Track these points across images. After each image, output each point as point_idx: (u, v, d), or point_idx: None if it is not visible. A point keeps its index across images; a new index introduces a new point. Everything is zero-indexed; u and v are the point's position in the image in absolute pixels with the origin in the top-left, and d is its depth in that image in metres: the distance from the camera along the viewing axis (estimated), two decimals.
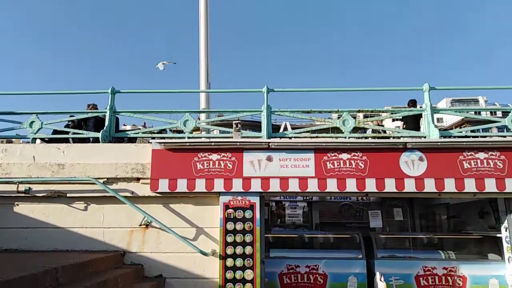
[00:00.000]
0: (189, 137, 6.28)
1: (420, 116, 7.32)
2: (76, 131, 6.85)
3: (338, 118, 6.51)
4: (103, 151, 6.17)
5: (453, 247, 7.47)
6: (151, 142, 6.06)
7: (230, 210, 5.82)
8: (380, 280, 5.28)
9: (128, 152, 6.14)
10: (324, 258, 6.83)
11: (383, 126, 9.36)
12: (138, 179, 5.99)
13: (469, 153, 5.77)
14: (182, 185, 5.86)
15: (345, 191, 5.86)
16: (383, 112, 6.79)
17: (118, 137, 6.89)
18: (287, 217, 9.68)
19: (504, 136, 6.31)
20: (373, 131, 7.90)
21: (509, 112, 6.50)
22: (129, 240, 5.85)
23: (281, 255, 7.02)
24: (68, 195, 5.96)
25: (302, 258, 6.86)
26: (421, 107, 6.77)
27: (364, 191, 5.82)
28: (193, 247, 5.66)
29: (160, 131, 7.04)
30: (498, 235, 6.48)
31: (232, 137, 6.21)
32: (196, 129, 7.44)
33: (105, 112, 6.58)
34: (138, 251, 5.81)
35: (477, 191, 5.68)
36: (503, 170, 5.69)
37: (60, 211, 5.98)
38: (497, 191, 5.67)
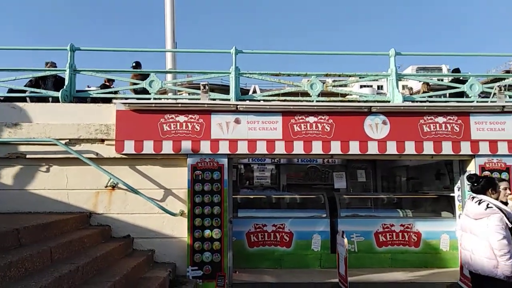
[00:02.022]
0: (155, 98, 6.11)
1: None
2: (34, 89, 6.48)
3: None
4: (64, 111, 5.92)
5: (410, 206, 7.96)
6: (115, 103, 5.87)
7: (198, 172, 5.84)
8: (342, 237, 5.55)
9: (91, 113, 5.93)
10: (290, 217, 7.10)
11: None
12: (102, 141, 5.84)
13: (429, 117, 6.01)
14: (148, 147, 5.78)
15: (311, 153, 5.99)
16: (350, 76, 6.85)
17: (80, 97, 6.60)
18: (256, 179, 9.87)
19: (460, 101, 6.58)
20: (340, 95, 8.02)
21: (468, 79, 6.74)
22: (95, 201, 5.79)
23: (249, 215, 7.23)
24: (28, 156, 5.74)
25: (269, 217, 7.10)
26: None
27: (330, 153, 5.99)
28: (161, 208, 5.69)
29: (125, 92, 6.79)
30: (451, 195, 6.94)
31: (199, 99, 6.11)
32: (163, 92, 7.26)
33: (65, 70, 6.25)
34: (105, 212, 5.78)
35: (435, 153, 5.98)
36: (459, 134, 5.99)
37: (21, 172, 5.78)
38: (453, 153, 5.99)
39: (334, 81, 6.82)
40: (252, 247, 6.88)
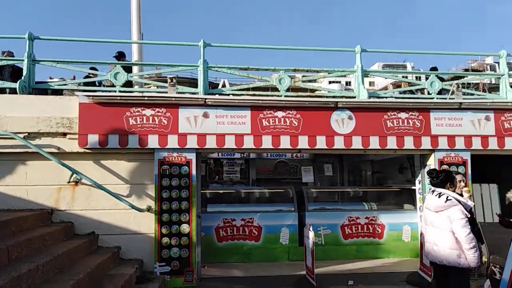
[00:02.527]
0: (120, 91, 5.94)
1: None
2: None
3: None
4: (23, 103, 5.64)
5: (375, 199, 8.24)
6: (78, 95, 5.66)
7: (165, 166, 5.75)
8: (309, 230, 5.66)
9: (51, 105, 5.68)
10: (259, 211, 7.16)
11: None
12: (64, 134, 5.62)
13: (393, 113, 6.22)
14: (113, 141, 5.62)
15: (279, 147, 6.05)
16: (318, 71, 6.95)
17: (41, 89, 6.30)
18: (225, 173, 9.88)
19: (422, 98, 6.85)
20: (310, 90, 8.11)
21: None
22: (57, 197, 5.57)
23: (218, 209, 7.22)
24: None
25: (238, 212, 7.12)
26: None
27: (297, 147, 6.07)
28: (127, 203, 5.56)
29: (89, 84, 6.55)
30: (412, 188, 7.24)
31: (167, 92, 6.00)
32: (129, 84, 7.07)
33: (23, 60, 5.94)
34: (68, 208, 5.58)
35: (398, 148, 6.20)
36: (420, 129, 6.24)
37: None
38: (414, 148, 6.24)
39: (303, 76, 6.88)
40: (221, 242, 6.88)
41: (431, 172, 4.08)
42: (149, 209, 5.69)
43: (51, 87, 6.21)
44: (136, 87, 6.64)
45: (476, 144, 6.28)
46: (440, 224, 3.80)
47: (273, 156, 9.85)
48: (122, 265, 5.16)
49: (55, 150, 5.57)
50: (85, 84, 6.38)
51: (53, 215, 5.52)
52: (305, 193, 7.54)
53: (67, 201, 5.59)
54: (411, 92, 8.00)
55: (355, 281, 5.67)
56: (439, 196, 3.86)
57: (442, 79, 7.46)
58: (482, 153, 6.36)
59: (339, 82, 46.94)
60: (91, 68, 6.89)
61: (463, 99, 6.51)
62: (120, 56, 7.54)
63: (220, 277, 5.96)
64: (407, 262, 6.71)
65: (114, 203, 5.59)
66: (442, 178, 3.99)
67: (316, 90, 7.70)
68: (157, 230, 5.60)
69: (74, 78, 8.86)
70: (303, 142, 6.04)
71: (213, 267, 6.42)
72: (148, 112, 5.76)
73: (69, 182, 5.58)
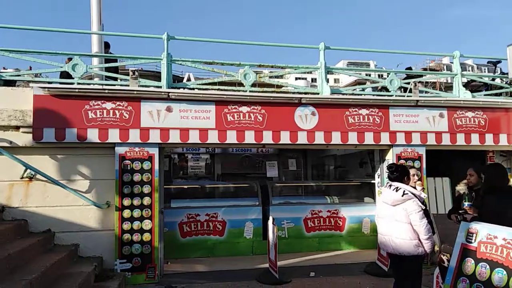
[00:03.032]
0: (79, 83, 5.71)
1: None
2: None
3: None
4: None
5: (337, 193, 8.47)
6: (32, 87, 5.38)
7: (127, 162, 5.61)
8: (272, 223, 5.74)
9: (3, 97, 5.37)
10: (223, 206, 7.16)
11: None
12: (17, 128, 5.34)
13: (354, 109, 6.40)
14: (71, 135, 5.41)
15: (244, 142, 6.07)
16: (283, 67, 7.01)
17: None
18: (190, 169, 9.78)
19: (382, 95, 7.09)
20: (276, 86, 8.18)
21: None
22: (9, 194, 5.29)
23: (182, 205, 7.15)
24: None
25: (202, 207, 7.08)
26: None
27: (262, 142, 6.11)
28: (86, 199, 5.39)
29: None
30: (372, 182, 7.51)
31: (128, 85, 5.84)
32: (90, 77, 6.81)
33: None
34: (21, 206, 5.31)
35: (358, 143, 6.40)
36: (380, 125, 6.47)
37: None
38: (374, 143, 6.47)
39: (270, 72, 6.93)
40: (184, 237, 6.82)
41: (391, 167, 4.19)
42: (109, 205, 5.54)
43: (2, 78, 5.85)
44: (96, 80, 6.40)
45: (431, 140, 6.60)
46: (399, 217, 3.92)
47: (238, 151, 9.86)
48: (80, 263, 4.99)
49: (7, 144, 5.29)
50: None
51: (4, 213, 5.24)
52: (269, 187, 7.62)
53: (20, 197, 5.32)
54: (378, 89, 8.25)
55: (316, 272, 5.83)
56: (396, 190, 3.98)
57: (411, 77, 7.70)
58: (436, 148, 6.70)
59: (305, 78, 47.63)
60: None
61: (420, 96, 6.81)
62: (106, 47, 7.06)
63: (183, 272, 5.92)
64: (366, 253, 6.96)
65: (72, 199, 5.40)
66: (400, 173, 4.15)
67: (282, 86, 7.78)
68: (117, 226, 5.46)
69: (30, 69, 8.43)
70: (267, 137, 6.09)
71: (177, 262, 6.36)
72: (108, 105, 5.58)
73: (22, 177, 5.31)
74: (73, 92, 5.45)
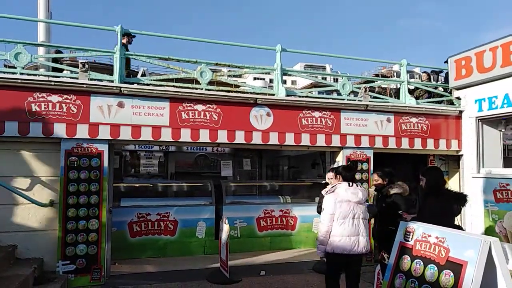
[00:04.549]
0: (22, 73, 5.35)
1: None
2: None
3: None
4: None
5: (290, 193, 8.64)
6: None
7: (73, 158, 5.35)
8: (225, 223, 5.74)
9: None
10: (175, 205, 7.04)
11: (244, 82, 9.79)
12: None
13: (307, 112, 6.57)
14: (12, 129, 5.08)
15: (198, 141, 6.03)
16: (240, 67, 7.02)
17: None
18: (142, 166, 9.53)
19: (334, 99, 7.36)
20: (235, 86, 8.19)
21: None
22: None
23: (132, 204, 6.94)
24: None
25: (153, 206, 6.92)
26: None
27: (216, 141, 6.10)
28: (26, 197, 5.08)
29: None
30: (323, 182, 7.71)
31: (77, 78, 5.56)
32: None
33: None
34: None
35: (311, 144, 6.58)
36: (331, 128, 6.69)
37: None
38: (326, 145, 6.68)
39: (229, 71, 6.91)
40: (134, 237, 6.63)
41: (350, 166, 4.30)
42: (52, 204, 5.25)
43: None
44: (42, 70, 6.04)
45: (378, 143, 6.95)
46: (364, 215, 4.03)
47: (193, 149, 9.75)
48: (17, 266, 4.69)
49: None
50: None
51: None
52: (223, 187, 7.61)
53: None
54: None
55: (267, 271, 5.92)
56: (355, 188, 4.04)
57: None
58: (383, 151, 7.05)
59: (263, 79, 48.07)
60: None
61: (369, 101, 7.13)
62: (127, 35, 6.55)
63: (131, 273, 5.75)
64: (315, 252, 7.15)
65: (10, 197, 5.09)
66: (354, 172, 4.30)
67: (239, 86, 7.80)
68: (61, 226, 5.20)
69: None
70: (222, 137, 6.09)
71: (125, 263, 6.17)
72: (54, 98, 5.30)
73: None
74: (15, 82, 5.11)
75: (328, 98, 7.29)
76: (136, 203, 6.99)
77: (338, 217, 3.93)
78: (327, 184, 5.42)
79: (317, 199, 8.07)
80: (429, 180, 4.14)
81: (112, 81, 5.78)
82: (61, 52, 6.42)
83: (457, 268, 2.93)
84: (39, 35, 6.13)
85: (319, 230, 4.11)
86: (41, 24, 6.07)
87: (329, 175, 5.32)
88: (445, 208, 3.92)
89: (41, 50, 6.24)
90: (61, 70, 5.97)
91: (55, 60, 6.31)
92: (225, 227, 5.65)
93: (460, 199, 4.03)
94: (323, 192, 4.52)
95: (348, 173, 4.22)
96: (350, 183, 4.08)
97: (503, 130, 7.32)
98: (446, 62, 7.74)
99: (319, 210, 4.70)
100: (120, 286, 5.16)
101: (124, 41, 6.54)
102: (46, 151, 5.37)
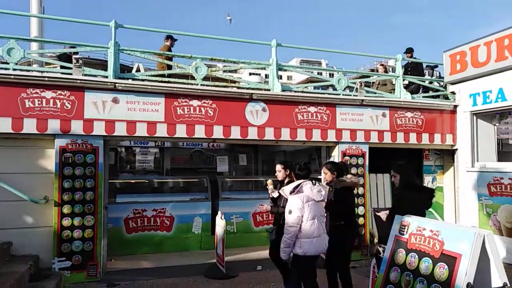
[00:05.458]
0: (14, 69, 5.30)
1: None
2: None
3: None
4: None
5: None
6: None
7: (68, 154, 5.32)
8: (221, 218, 5.74)
9: None
10: (171, 201, 7.04)
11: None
12: None
13: (303, 107, 6.57)
14: (5, 125, 5.05)
15: (194, 136, 6.01)
16: (235, 62, 6.98)
17: None
18: (138, 162, 9.49)
19: (330, 94, 7.35)
20: (230, 81, 8.17)
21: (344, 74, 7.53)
22: None
23: (128, 200, 6.92)
24: None
25: (149, 202, 6.92)
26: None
27: (212, 137, 6.09)
28: (21, 194, 5.04)
29: None
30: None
31: (71, 74, 5.52)
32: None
33: None
34: None
35: (306, 139, 6.59)
36: (327, 123, 6.70)
37: None
38: (321, 140, 6.69)
39: (225, 66, 6.87)
40: (130, 233, 6.63)
41: (305, 165, 3.99)
42: (47, 200, 5.23)
43: None
44: (35, 66, 5.97)
45: (374, 138, 6.96)
46: (323, 214, 3.95)
47: (189, 145, 9.73)
48: (13, 263, 4.67)
49: None
50: None
51: None
52: (219, 182, 7.61)
53: None
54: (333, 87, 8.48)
55: (263, 266, 5.93)
56: (318, 187, 3.89)
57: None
58: (378, 146, 7.07)
59: (259, 74, 47.92)
60: None
61: (365, 96, 7.13)
62: (170, 38, 7.37)
63: (127, 269, 5.75)
64: None
65: (4, 194, 5.03)
66: (308, 172, 3.99)
67: (235, 81, 7.77)
68: (56, 222, 5.18)
69: None
70: (218, 132, 6.08)
71: (121, 259, 6.17)
72: (48, 94, 5.26)
73: None
74: (8, 78, 5.06)
75: (323, 93, 7.29)
76: (132, 199, 6.98)
77: (307, 218, 3.72)
78: (289, 182, 4.36)
79: None
80: (403, 176, 4.20)
81: (107, 77, 5.74)
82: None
83: (451, 261, 2.96)
84: (32, 30, 6.06)
85: (286, 232, 3.74)
86: (34, 19, 6.01)
87: (278, 167, 4.63)
88: (422, 201, 4.06)
89: (34, 46, 6.18)
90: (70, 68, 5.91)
91: (65, 59, 6.26)
92: (221, 223, 5.66)
93: (430, 192, 4.26)
94: (283, 192, 4.05)
95: (302, 172, 3.95)
96: (313, 182, 3.88)
97: (497, 124, 7.37)
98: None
99: (275, 211, 4.53)
100: (117, 282, 5.16)
101: (168, 43, 7.25)
102: (41, 147, 5.34)
